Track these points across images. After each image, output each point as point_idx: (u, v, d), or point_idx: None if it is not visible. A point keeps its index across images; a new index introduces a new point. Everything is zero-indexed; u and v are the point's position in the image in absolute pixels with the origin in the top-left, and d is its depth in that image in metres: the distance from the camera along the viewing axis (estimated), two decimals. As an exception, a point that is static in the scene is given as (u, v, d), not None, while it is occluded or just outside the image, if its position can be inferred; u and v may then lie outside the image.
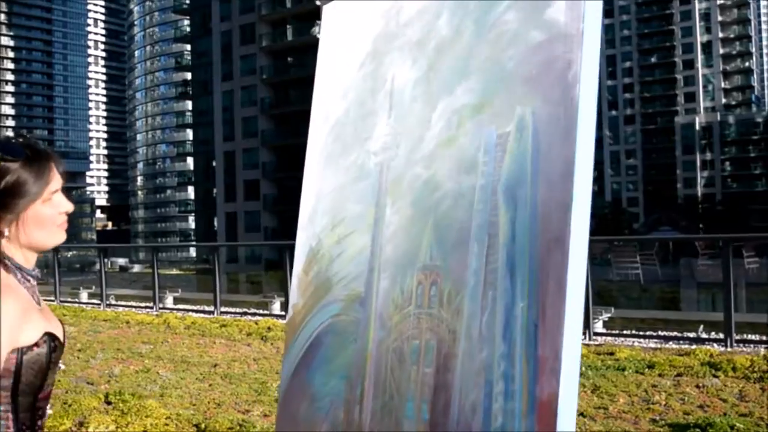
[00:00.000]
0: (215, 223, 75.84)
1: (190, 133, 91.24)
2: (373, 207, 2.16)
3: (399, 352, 1.97)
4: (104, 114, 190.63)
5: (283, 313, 15.11)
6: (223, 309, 15.85)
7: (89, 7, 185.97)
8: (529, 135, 1.72)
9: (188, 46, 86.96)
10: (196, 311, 16.29)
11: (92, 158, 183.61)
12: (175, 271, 64.40)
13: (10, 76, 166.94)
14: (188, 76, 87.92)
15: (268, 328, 12.57)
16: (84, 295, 19.61)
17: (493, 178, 1.78)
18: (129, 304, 18.20)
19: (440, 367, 1.84)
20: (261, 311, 16.28)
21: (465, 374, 1.76)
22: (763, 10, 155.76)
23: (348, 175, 2.30)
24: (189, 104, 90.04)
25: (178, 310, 16.52)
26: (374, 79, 2.25)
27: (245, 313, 15.79)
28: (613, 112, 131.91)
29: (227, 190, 72.62)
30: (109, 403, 7.83)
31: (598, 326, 12.24)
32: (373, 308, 2.09)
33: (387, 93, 2.19)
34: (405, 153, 2.08)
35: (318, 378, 2.24)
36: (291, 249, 16.03)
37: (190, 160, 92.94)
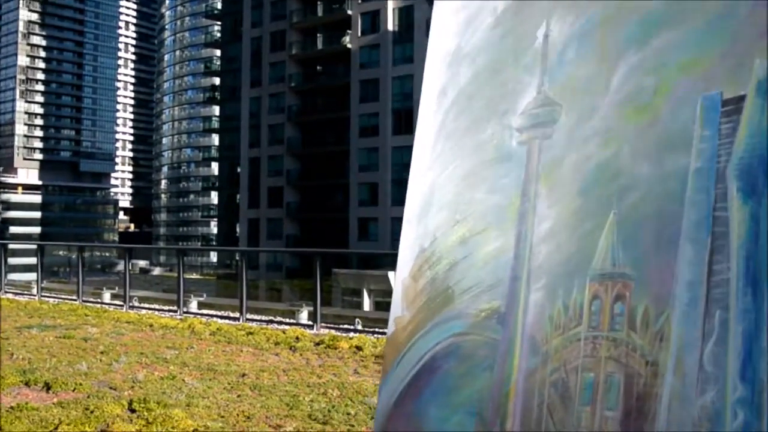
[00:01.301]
0: (237, 229, 75.58)
1: (215, 139, 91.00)
2: (516, 198, 1.69)
3: (562, 387, 1.49)
4: (131, 116, 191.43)
5: (310, 322, 14.63)
6: (248, 316, 15.39)
7: (121, 9, 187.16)
8: (780, 98, 1.24)
9: (218, 52, 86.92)
10: (221, 317, 15.84)
11: (118, 160, 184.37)
12: (195, 276, 64.09)
13: (40, 76, 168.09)
14: (216, 81, 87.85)
15: (297, 338, 12.10)
16: (107, 296, 19.22)
17: (720, 159, 1.31)
18: (152, 306, 17.79)
19: (632, 412, 1.35)
20: (287, 320, 15.80)
21: (675, 423, 1.28)
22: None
23: (478, 158, 1.83)
24: (216, 109, 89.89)
25: (203, 315, 16.08)
26: (516, 37, 1.79)
27: (271, 321, 15.32)
28: None
29: (251, 197, 72.28)
30: (133, 410, 7.38)
31: None
32: (518, 327, 1.62)
33: (536, 53, 1.72)
34: (567, 128, 1.61)
35: (434, 412, 1.76)
36: (322, 256, 15.60)
37: (214, 165, 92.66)
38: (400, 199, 59.89)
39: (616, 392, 1.39)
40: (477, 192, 1.81)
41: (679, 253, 1.34)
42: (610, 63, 1.54)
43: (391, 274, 27.80)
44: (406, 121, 60.67)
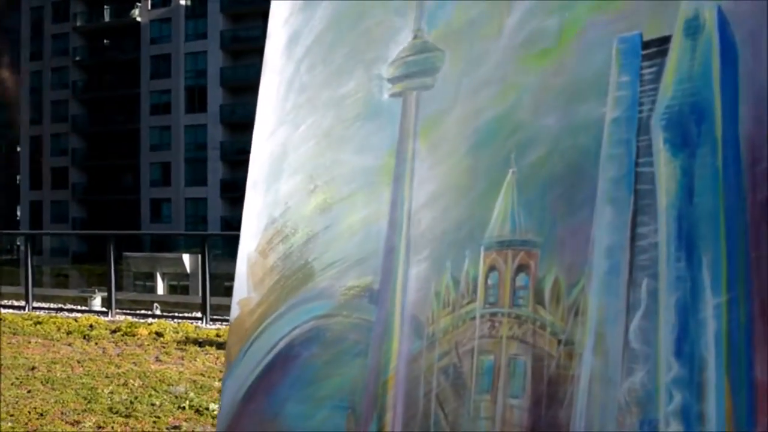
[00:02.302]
0: (18, 212, 71.04)
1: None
2: (389, 158, 1.47)
3: (454, 374, 1.29)
4: None
5: (104, 309, 13.85)
6: (35, 304, 14.34)
7: None
8: (712, 39, 1.09)
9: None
10: (5, 306, 14.66)
11: None
12: (-29, 262, 59.55)
13: None
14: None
15: (90, 326, 11.37)
16: None
17: (642, 108, 1.15)
18: None
19: (542, 398, 1.18)
20: (78, 307, 14.88)
21: (596, 410, 1.11)
22: None
23: (340, 114, 1.59)
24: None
25: (-18, 305, 14.82)
26: (383, -24, 1.56)
27: (61, 309, 14.36)
28: None
29: (32, 178, 68.02)
30: None
31: None
32: (397, 306, 1.40)
33: (410, -8, 1.51)
34: (451, 78, 1.41)
35: (293, 408, 1.51)
36: (116, 239, 14.78)
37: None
38: (193, 179, 58.48)
39: (522, 377, 1.21)
40: (340, 153, 1.57)
41: (595, 216, 1.17)
42: (504, 1, 1.35)
43: (185, 256, 27.04)
44: (199, 98, 59.25)
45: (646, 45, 1.16)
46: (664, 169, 1.11)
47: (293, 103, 1.69)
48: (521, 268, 1.25)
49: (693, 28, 1.12)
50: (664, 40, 1.15)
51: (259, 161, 1.75)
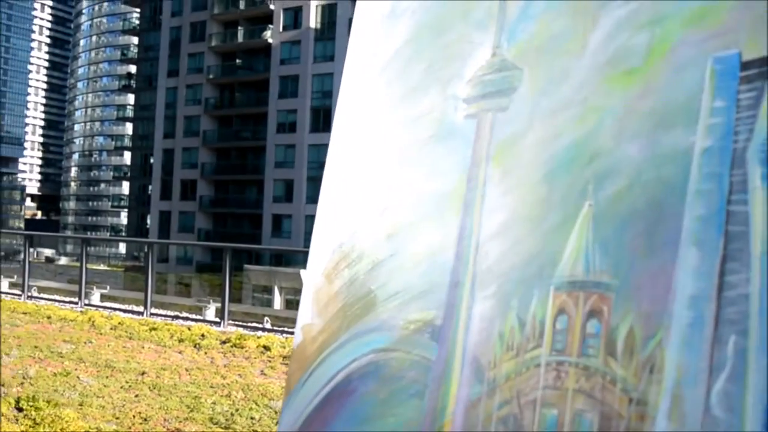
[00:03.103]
0: (148, 221, 73.90)
1: (129, 128, 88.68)
2: (461, 183, 1.36)
3: (514, 425, 1.16)
4: (43, 101, 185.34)
5: (217, 319, 14.13)
6: (153, 311, 14.78)
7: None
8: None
9: (135, 39, 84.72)
10: (124, 311, 15.19)
11: (27, 145, 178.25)
12: (102, 267, 62.32)
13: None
14: (133, 69, 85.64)
15: (202, 335, 11.61)
16: (4, 284, 18.24)
17: (737, 138, 0.99)
18: (52, 297, 16.95)
19: (608, 465, 1.03)
20: (193, 316, 15.24)
21: (669, 486, 0.96)
22: None
23: (413, 135, 1.48)
24: (131, 98, 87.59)
25: (105, 308, 15.38)
26: (467, -11, 1.45)
27: (177, 317, 14.75)
28: None
29: (163, 188, 70.69)
30: (20, 409, 6.85)
31: None
32: (458, 346, 1.28)
33: (491, 5, 1.39)
34: (529, 98, 1.28)
35: (347, 445, 1.41)
36: (233, 252, 15.10)
37: (127, 155, 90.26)
38: (315, 197, 59.08)
39: (588, 437, 1.06)
40: (410, 175, 1.46)
41: (679, 259, 1.02)
42: (589, 15, 1.22)
43: (302, 271, 27.38)
44: (324, 118, 60.29)
45: (745, 66, 1.01)
46: (760, 209, 0.95)
47: (368, 120, 1.60)
48: (593, 313, 1.10)
49: (802, 47, 0.96)
50: (766, 61, 0.99)
51: (330, 184, 1.67)
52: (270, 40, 64.07)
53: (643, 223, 1.07)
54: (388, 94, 1.58)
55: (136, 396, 7.69)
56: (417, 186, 1.45)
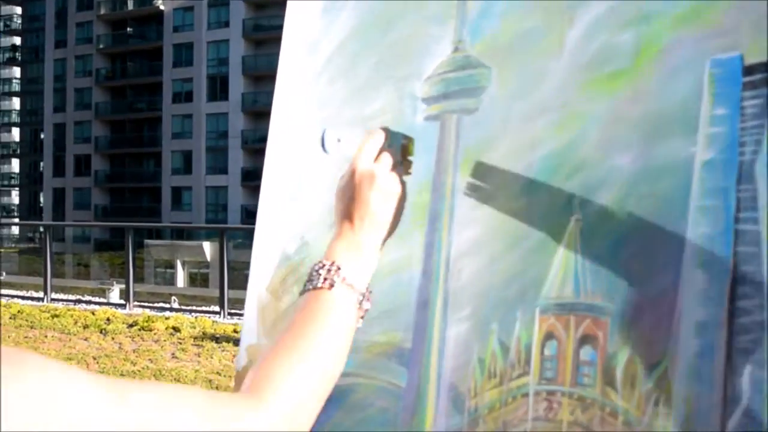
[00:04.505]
0: (41, 199, 71.43)
1: (16, 102, 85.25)
2: (423, 193, 1.25)
3: (500, 462, 1.07)
4: None
5: (122, 302, 13.73)
6: (53, 296, 14.25)
7: None
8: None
9: (18, 9, 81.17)
10: (23, 297, 14.58)
11: None
12: (-6, 249, 59.99)
13: None
14: (17, 41, 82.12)
15: (107, 319, 11.26)
16: None
17: (743, 150, 0.92)
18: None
19: (613, 508, 0.95)
20: (97, 299, 14.78)
21: None
22: None
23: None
24: (17, 71, 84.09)
25: (2, 296, 14.74)
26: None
27: (79, 301, 14.27)
28: None
29: (56, 165, 68.35)
30: None
31: None
32: (431, 371, 1.18)
33: (447, 4, 1.28)
34: (500, 100, 1.18)
35: (308, 479, 1.30)
36: (135, 232, 14.65)
37: (15, 132, 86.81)
38: (214, 168, 58.46)
39: (588, 475, 0.98)
40: (365, 183, 1.35)
41: (683, 282, 0.94)
42: (563, 13, 1.12)
43: (205, 244, 26.91)
44: (221, 87, 59.25)
45: (747, 70, 0.93)
46: (775, 228, 0.88)
47: (310, 121, 1.47)
48: (586, 339, 1.02)
49: (813, 50, 0.89)
50: (773, 64, 0.91)
51: (271, 188, 1.54)
52: (162, 7, 62.31)
53: (639, 241, 0.99)
54: (333, 92, 1.45)
55: (42, 389, 7.36)
56: (373, 194, 1.33)
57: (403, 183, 1.09)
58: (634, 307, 0.98)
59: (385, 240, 1.08)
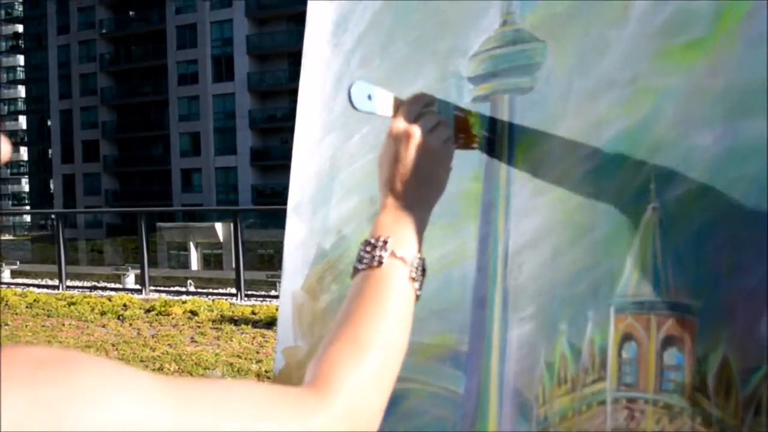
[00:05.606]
0: (51, 186, 71.60)
1: (22, 90, 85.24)
2: (473, 181, 1.15)
3: (575, 476, 0.97)
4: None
5: (138, 287, 13.70)
6: (69, 283, 14.23)
7: None
8: None
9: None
10: (39, 286, 14.58)
11: None
12: (8, 237, 60.27)
13: None
14: (20, 28, 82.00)
15: (124, 305, 11.24)
16: None
17: None
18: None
19: None
20: (112, 285, 14.76)
21: None
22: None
23: (405, 122, 1.26)
24: (21, 59, 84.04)
25: (17, 284, 14.73)
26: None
27: (95, 287, 14.26)
28: None
29: (64, 151, 68.39)
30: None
31: None
32: (493, 376, 1.08)
33: (491, -32, 1.17)
34: (557, 78, 1.07)
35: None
36: (147, 216, 14.60)
37: (22, 119, 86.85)
38: (223, 149, 58.37)
39: (679, 491, 0.89)
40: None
41: (785, 275, 0.84)
42: (627, -25, 1.01)
43: (217, 225, 26.87)
44: (227, 67, 58.99)
45: None
46: None
47: (344, 106, 1.37)
48: (671, 340, 0.92)
49: None
50: None
51: (302, 178, 1.43)
52: (164, -13, 61.93)
53: (727, 229, 0.89)
54: (367, 72, 1.34)
55: (63, 379, 7.34)
56: (416, 184, 1.23)
57: (447, 144, 1.01)
58: (727, 305, 0.88)
59: (434, 200, 1.00)
